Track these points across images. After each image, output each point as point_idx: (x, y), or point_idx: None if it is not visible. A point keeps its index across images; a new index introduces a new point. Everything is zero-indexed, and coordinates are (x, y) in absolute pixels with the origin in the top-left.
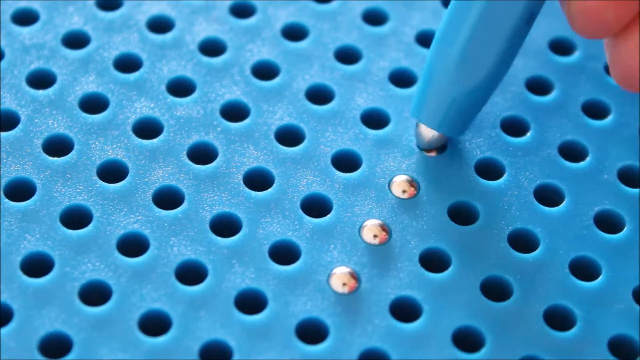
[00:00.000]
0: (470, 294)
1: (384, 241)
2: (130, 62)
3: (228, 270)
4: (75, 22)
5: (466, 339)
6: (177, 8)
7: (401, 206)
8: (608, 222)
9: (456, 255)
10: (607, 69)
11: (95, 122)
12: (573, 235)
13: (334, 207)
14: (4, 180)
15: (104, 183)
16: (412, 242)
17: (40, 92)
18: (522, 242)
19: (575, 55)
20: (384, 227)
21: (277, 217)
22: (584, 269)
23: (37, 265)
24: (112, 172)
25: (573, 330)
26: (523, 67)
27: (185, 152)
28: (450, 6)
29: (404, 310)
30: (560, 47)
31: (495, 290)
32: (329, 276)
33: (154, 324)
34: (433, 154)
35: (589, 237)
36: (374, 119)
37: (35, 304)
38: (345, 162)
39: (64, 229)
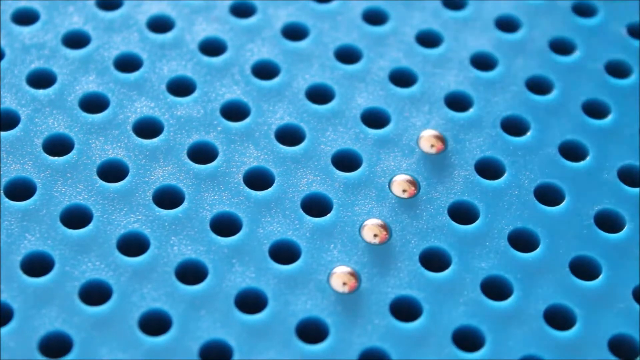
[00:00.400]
0: (471, 293)
1: (384, 241)
2: (130, 62)
3: (228, 269)
4: (75, 21)
5: (466, 339)
6: (177, 8)
7: (401, 206)
8: (608, 222)
9: (456, 255)
10: (607, 69)
11: (96, 121)
12: (573, 235)
13: (334, 206)
14: (4, 180)
15: (104, 182)
16: (412, 242)
17: (41, 91)
18: (522, 242)
19: (575, 55)
20: (384, 227)
21: (277, 217)
22: (584, 269)
23: (37, 265)
24: (112, 172)
25: (573, 330)
26: (523, 67)
27: (185, 152)
28: None
29: (404, 310)
30: (560, 47)
31: (495, 290)
32: (329, 276)
33: (154, 323)
34: (434, 151)
35: (589, 237)
36: (374, 119)
37: (35, 303)
38: (346, 161)
39: (64, 228)
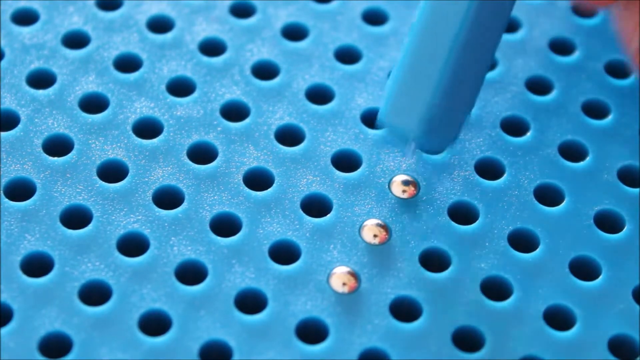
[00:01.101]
0: (470, 294)
1: (383, 241)
2: (130, 62)
3: (228, 270)
4: (75, 22)
5: (466, 339)
6: (177, 8)
7: (401, 206)
8: (608, 222)
9: (456, 255)
10: (607, 69)
11: (95, 122)
12: (573, 235)
13: (334, 206)
14: (4, 180)
15: (104, 183)
16: (412, 242)
17: (40, 92)
18: (522, 242)
19: (575, 55)
20: (384, 227)
21: (277, 217)
22: (584, 269)
23: (37, 265)
24: (112, 172)
25: (573, 330)
26: (523, 67)
27: (185, 152)
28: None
29: (404, 310)
30: (560, 47)
31: (495, 290)
32: (328, 276)
33: (154, 323)
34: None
35: (589, 237)
36: (374, 119)
37: (35, 303)
38: (345, 161)
39: (64, 228)
